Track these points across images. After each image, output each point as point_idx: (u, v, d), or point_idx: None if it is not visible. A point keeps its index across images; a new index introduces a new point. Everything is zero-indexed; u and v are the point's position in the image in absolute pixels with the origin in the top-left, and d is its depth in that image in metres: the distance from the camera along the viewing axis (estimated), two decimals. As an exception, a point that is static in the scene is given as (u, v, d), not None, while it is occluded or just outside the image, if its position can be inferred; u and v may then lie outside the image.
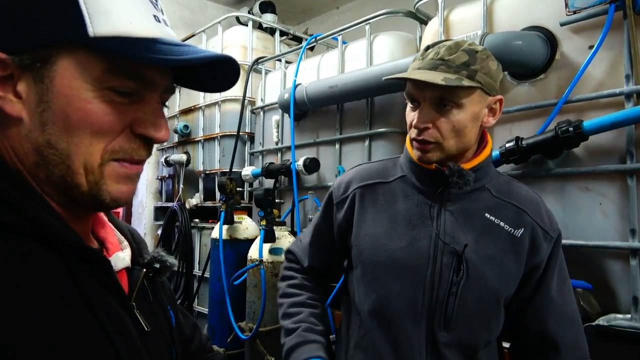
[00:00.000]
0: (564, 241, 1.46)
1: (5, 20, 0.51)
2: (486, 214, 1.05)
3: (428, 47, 1.04)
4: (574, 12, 1.48)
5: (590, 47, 1.45)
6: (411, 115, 1.04)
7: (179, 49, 0.54)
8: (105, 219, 0.71)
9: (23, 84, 0.52)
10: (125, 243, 0.70)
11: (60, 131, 0.52)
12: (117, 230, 0.71)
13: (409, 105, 1.05)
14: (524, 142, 1.51)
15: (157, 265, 0.69)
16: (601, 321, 1.38)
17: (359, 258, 1.10)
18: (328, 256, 1.26)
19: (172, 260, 0.71)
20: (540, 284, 1.06)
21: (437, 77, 0.94)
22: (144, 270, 0.67)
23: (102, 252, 0.64)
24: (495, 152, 1.58)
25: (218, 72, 0.61)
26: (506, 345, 1.16)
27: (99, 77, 0.52)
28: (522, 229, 1.04)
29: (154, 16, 0.55)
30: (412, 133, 1.03)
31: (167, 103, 0.64)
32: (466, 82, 0.95)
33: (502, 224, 1.04)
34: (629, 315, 1.36)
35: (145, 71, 0.54)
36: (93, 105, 0.52)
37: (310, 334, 1.15)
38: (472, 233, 1.03)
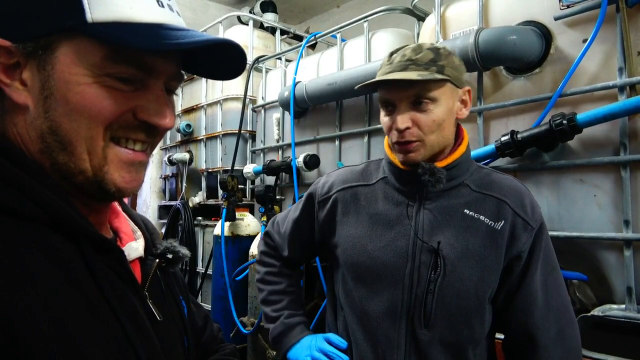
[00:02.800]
0: (559, 233, 1.48)
1: (9, 9, 0.51)
2: (465, 210, 1.05)
3: (392, 53, 1.05)
4: (568, 7, 1.49)
5: (584, 40, 1.47)
6: (388, 120, 1.05)
7: (179, 33, 0.54)
8: (119, 208, 0.71)
9: (27, 71, 0.52)
10: (139, 233, 0.70)
11: (61, 116, 0.52)
12: (130, 220, 0.71)
13: (384, 110, 1.06)
14: (519, 136, 1.52)
15: (170, 256, 0.69)
16: (596, 312, 1.40)
17: (342, 258, 1.13)
18: (307, 250, 1.30)
19: (184, 250, 0.72)
20: (524, 277, 1.04)
21: (411, 75, 0.97)
22: (157, 260, 0.67)
23: (116, 241, 0.64)
24: (491, 146, 1.60)
25: (224, 59, 0.61)
26: (499, 336, 1.17)
27: (98, 63, 0.52)
28: (503, 222, 1.03)
29: (157, 1, 0.55)
30: (393, 137, 1.04)
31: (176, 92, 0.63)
32: (439, 76, 0.98)
33: (481, 217, 1.04)
34: (624, 306, 1.37)
35: (147, 58, 0.54)
36: (92, 89, 0.52)
37: (291, 319, 1.23)
38: (450, 230, 1.03)
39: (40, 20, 0.51)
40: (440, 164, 1.04)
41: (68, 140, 0.53)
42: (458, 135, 1.11)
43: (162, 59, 0.56)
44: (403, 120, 1.00)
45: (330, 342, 1.15)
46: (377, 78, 1.02)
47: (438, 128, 1.02)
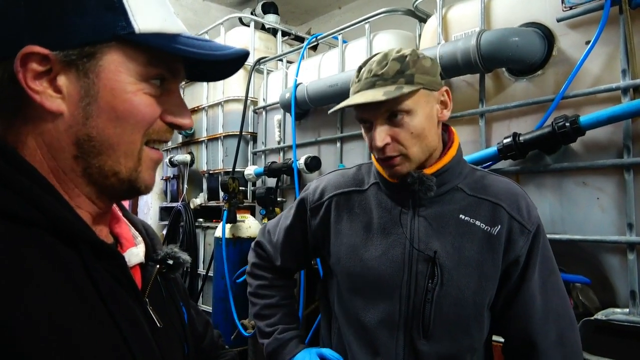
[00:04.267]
0: (561, 236, 1.48)
1: (52, 18, 0.52)
2: (460, 215, 1.03)
3: (360, 68, 1.03)
4: (571, 8, 1.48)
5: (587, 42, 1.46)
6: (368, 137, 1.03)
7: (202, 43, 0.59)
8: (120, 214, 0.71)
9: (63, 78, 0.53)
10: (140, 239, 0.70)
11: (105, 123, 0.54)
12: (131, 226, 0.72)
13: (362, 127, 1.05)
14: (521, 138, 1.52)
15: (171, 262, 0.69)
16: (599, 315, 1.39)
17: (337, 268, 1.11)
18: (301, 258, 1.27)
19: (185, 256, 0.72)
20: (522, 282, 1.03)
21: (377, 95, 0.94)
22: (158, 266, 0.68)
23: (117, 247, 0.64)
24: (493, 148, 1.59)
25: (226, 64, 0.63)
26: (497, 339, 1.16)
27: (141, 70, 0.55)
28: (499, 226, 1.01)
29: (175, 14, 0.59)
30: (376, 154, 1.02)
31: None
32: (406, 89, 0.95)
33: (477, 222, 1.02)
34: (627, 310, 1.36)
35: (175, 63, 0.59)
36: (137, 97, 0.55)
37: (285, 334, 1.20)
38: (447, 237, 1.02)
39: (90, 30, 0.52)
40: (429, 170, 1.02)
41: (109, 144, 0.55)
42: (448, 138, 1.08)
43: (180, 64, 0.60)
44: (380, 137, 0.98)
45: (324, 358, 1.12)
46: (346, 103, 1.00)
47: (418, 139, 0.99)
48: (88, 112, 0.53)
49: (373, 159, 1.12)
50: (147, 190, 0.60)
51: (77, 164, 0.55)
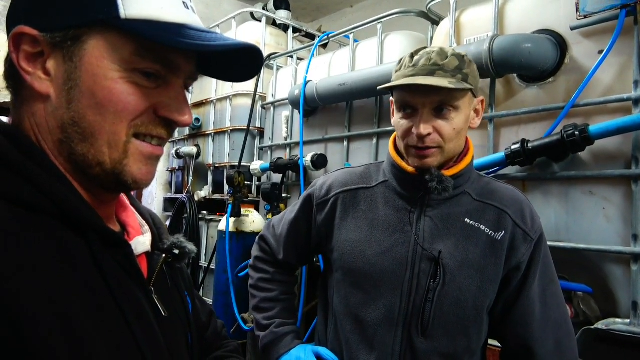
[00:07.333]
0: (565, 244, 1.48)
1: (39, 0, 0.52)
2: (466, 219, 1.04)
3: (413, 54, 1.03)
4: (585, 17, 1.48)
5: (600, 51, 1.46)
6: (405, 123, 1.02)
7: (206, 35, 0.55)
8: (127, 202, 0.71)
9: (52, 61, 0.53)
10: (146, 227, 0.70)
11: (85, 109, 0.53)
12: (138, 214, 0.71)
13: (400, 113, 1.04)
14: (529, 145, 1.51)
15: (177, 251, 0.69)
16: (600, 325, 1.39)
17: (338, 263, 1.11)
18: (303, 253, 1.27)
19: (191, 246, 0.72)
20: (522, 289, 1.04)
21: (442, 82, 0.95)
22: (164, 255, 0.68)
23: (124, 235, 0.64)
24: (501, 154, 1.59)
25: (241, 62, 0.61)
26: (493, 343, 1.16)
27: (127, 58, 0.53)
28: (503, 232, 1.03)
29: (183, 2, 0.57)
30: (411, 141, 1.02)
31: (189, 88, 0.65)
32: (467, 85, 0.97)
33: (482, 227, 1.03)
34: (628, 320, 1.36)
35: (172, 55, 0.55)
36: (118, 85, 0.53)
37: (282, 329, 1.21)
38: (451, 238, 1.03)
39: (73, 12, 0.51)
40: (447, 173, 1.04)
41: (90, 132, 0.53)
42: (464, 145, 1.10)
43: (184, 57, 0.57)
44: (426, 127, 0.98)
45: (320, 358, 1.13)
46: (405, 81, 0.97)
47: (457, 136, 1.01)
48: (71, 96, 0.53)
49: (391, 149, 1.12)
50: (136, 185, 0.57)
51: (63, 148, 0.54)
